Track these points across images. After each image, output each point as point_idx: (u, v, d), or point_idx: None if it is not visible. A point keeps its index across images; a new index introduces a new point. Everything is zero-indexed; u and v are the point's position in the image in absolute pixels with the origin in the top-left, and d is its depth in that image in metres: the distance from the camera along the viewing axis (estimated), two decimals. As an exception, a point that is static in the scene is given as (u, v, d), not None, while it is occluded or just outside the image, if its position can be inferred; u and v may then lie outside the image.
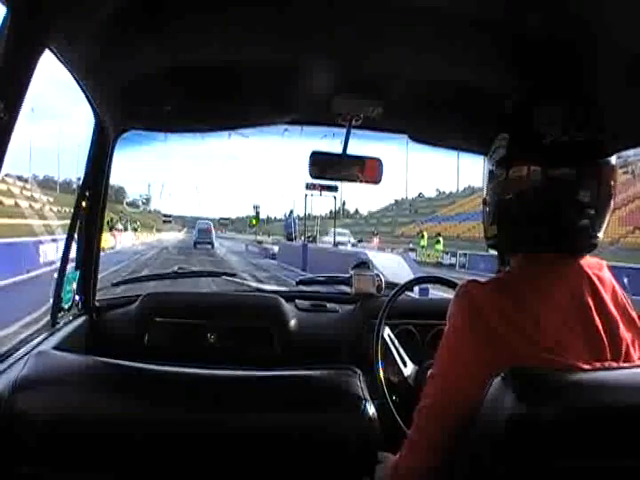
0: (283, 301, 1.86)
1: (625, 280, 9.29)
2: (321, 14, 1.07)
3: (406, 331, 1.70)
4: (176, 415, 0.72)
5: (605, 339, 0.87)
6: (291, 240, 27.47)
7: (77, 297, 1.60)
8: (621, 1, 0.88)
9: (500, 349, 0.84)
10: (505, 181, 0.93)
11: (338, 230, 31.07)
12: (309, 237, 26.71)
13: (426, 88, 1.41)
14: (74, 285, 1.56)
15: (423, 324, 1.71)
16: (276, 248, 24.79)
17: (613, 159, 0.92)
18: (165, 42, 1.19)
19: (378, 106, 1.48)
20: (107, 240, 19.21)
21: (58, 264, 1.53)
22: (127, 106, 1.45)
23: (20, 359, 1.03)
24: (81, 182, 1.55)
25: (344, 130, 1.61)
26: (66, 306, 1.51)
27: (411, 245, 29.99)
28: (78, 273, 1.59)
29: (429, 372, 0.97)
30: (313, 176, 1.67)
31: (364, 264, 2.08)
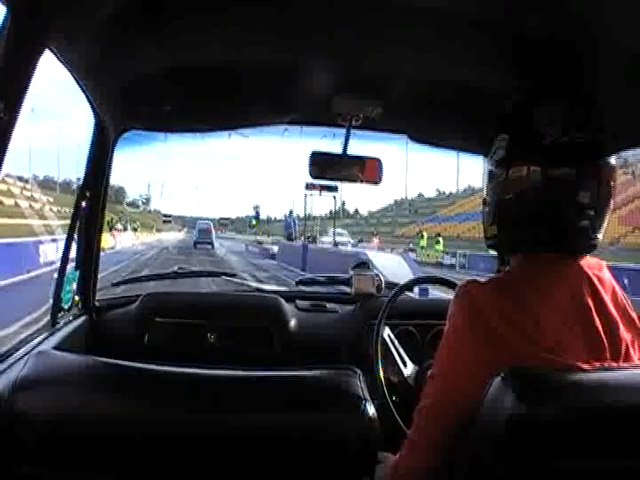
0: (283, 301, 1.86)
1: (625, 280, 9.29)
2: (321, 14, 1.07)
3: (406, 331, 1.70)
4: (176, 415, 0.72)
5: (605, 339, 0.87)
6: (291, 240, 27.44)
7: (77, 297, 1.60)
8: (621, 1, 0.88)
9: (500, 349, 0.84)
10: (505, 181, 0.93)
11: (337, 230, 31.06)
12: (309, 237, 26.72)
13: (426, 88, 1.41)
14: (74, 285, 1.56)
15: (423, 324, 1.71)
16: (276, 248, 24.78)
17: (613, 159, 0.92)
18: (165, 42, 1.19)
19: (378, 106, 1.48)
20: (107, 240, 19.21)
21: (58, 264, 1.53)
22: (127, 106, 1.45)
23: (20, 359, 1.03)
24: (81, 182, 1.55)
25: (344, 130, 1.61)
26: (66, 306, 1.51)
27: (411, 245, 29.99)
28: (78, 273, 1.59)
29: (429, 372, 0.98)
30: (313, 176, 1.67)
31: (364, 264, 2.08)
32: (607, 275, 0.94)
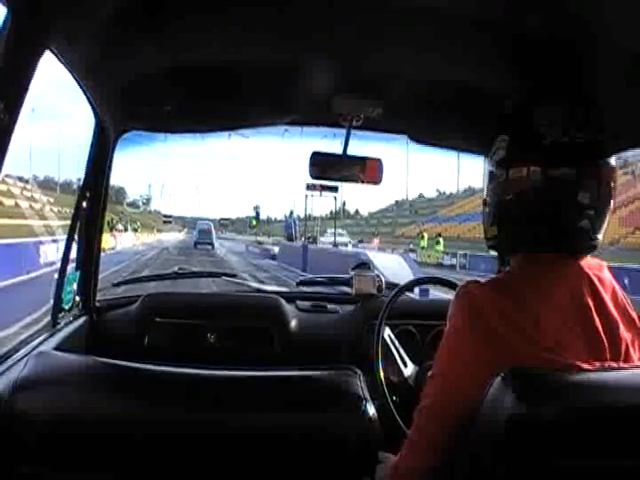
0: (283, 301, 1.86)
1: (625, 280, 9.29)
2: (321, 14, 1.08)
3: (406, 331, 1.70)
4: (176, 415, 0.72)
5: (605, 339, 0.87)
6: (291, 241, 27.48)
7: (77, 297, 1.60)
8: (621, 1, 0.88)
9: (500, 349, 0.84)
10: (505, 182, 0.93)
11: (336, 231, 31.07)
12: (309, 238, 26.71)
13: (426, 88, 1.41)
14: (74, 286, 1.56)
15: (423, 324, 1.71)
16: (276, 249, 24.80)
17: (613, 160, 0.92)
18: (165, 42, 1.19)
19: (378, 106, 1.48)
20: (107, 241, 19.21)
21: (58, 265, 1.53)
22: (127, 106, 1.45)
23: (21, 359, 1.03)
24: (81, 183, 1.55)
25: (344, 130, 1.61)
26: (66, 307, 1.51)
27: (411, 246, 29.99)
28: (78, 274, 1.59)
29: (429, 372, 0.97)
30: (313, 176, 1.67)
31: (364, 265, 2.08)
32: (607, 275, 0.94)
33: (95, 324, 1.70)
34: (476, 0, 1.01)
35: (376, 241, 34.94)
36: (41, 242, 11.20)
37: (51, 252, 10.57)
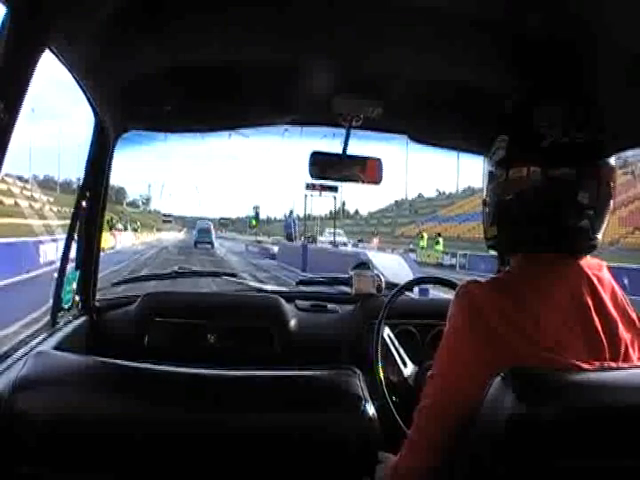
0: (283, 301, 1.86)
1: (625, 280, 9.30)
2: (321, 14, 1.07)
3: (406, 331, 1.70)
4: (176, 415, 0.72)
5: (604, 339, 0.87)
6: (291, 240, 27.47)
7: (77, 297, 1.60)
8: (621, 1, 0.88)
9: (500, 349, 0.84)
10: (505, 182, 0.93)
11: (332, 230, 31.09)
12: (309, 237, 26.71)
13: (426, 88, 1.41)
14: (74, 285, 1.56)
15: (423, 324, 1.71)
16: (276, 248, 24.80)
17: (612, 160, 0.92)
18: (165, 42, 1.19)
19: (378, 106, 1.48)
20: (107, 240, 19.21)
21: (58, 264, 1.53)
22: (127, 106, 1.45)
23: (20, 359, 1.03)
24: (81, 182, 1.55)
25: (344, 130, 1.61)
26: (66, 306, 1.51)
27: (411, 246, 29.99)
28: (78, 273, 1.59)
29: (429, 372, 0.98)
30: (313, 176, 1.67)
31: (364, 264, 2.08)
32: (607, 275, 0.94)
33: (95, 324, 1.70)
34: (476, 0, 1.01)
35: (376, 241, 34.94)
36: (41, 241, 11.21)
37: (51, 251, 10.57)
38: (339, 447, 0.73)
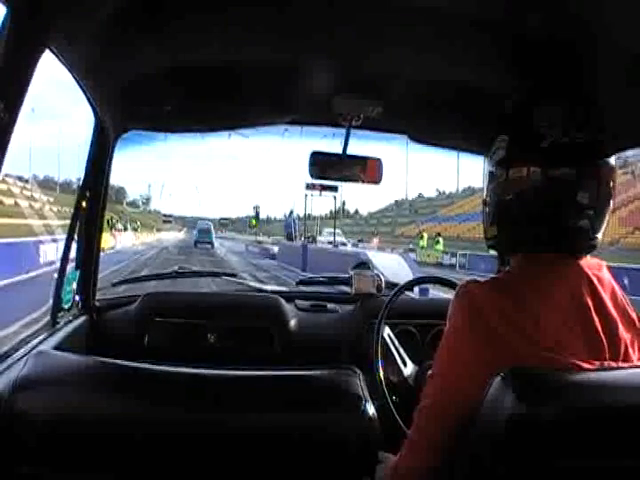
0: (283, 301, 1.86)
1: (625, 280, 9.30)
2: (321, 14, 1.08)
3: (406, 331, 1.70)
4: (176, 415, 0.72)
5: (604, 339, 0.87)
6: (291, 240, 27.45)
7: (77, 297, 1.60)
8: (621, 1, 0.88)
9: (500, 349, 0.84)
10: (505, 182, 0.93)
11: (331, 230, 31.10)
12: (309, 237, 26.70)
13: (426, 88, 1.41)
14: (74, 285, 1.56)
15: (423, 324, 1.71)
16: (276, 248, 24.80)
17: (612, 160, 0.92)
18: (165, 42, 1.19)
19: (378, 106, 1.48)
20: (107, 240, 19.21)
21: (58, 264, 1.53)
22: (127, 106, 1.45)
23: (20, 359, 1.03)
24: (81, 182, 1.55)
25: (344, 130, 1.61)
26: (66, 306, 1.51)
27: (411, 245, 29.98)
28: (78, 273, 1.59)
29: (429, 372, 0.97)
30: (313, 176, 1.68)
31: (364, 264, 2.08)
32: (607, 275, 0.94)
33: (95, 323, 1.70)
34: (476, 0, 1.01)
35: (376, 241, 34.91)
36: (41, 241, 11.21)
37: (51, 251, 10.57)
38: (339, 447, 0.73)
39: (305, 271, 14.50)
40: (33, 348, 1.17)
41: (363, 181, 1.68)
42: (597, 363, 0.84)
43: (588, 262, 0.93)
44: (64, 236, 1.55)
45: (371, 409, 0.73)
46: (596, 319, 0.88)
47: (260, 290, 2.15)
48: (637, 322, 0.92)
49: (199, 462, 0.70)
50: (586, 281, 0.90)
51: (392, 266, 10.38)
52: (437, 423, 0.89)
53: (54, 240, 10.81)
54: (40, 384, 0.73)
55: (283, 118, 1.68)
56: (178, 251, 25.89)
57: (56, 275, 1.47)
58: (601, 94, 1.05)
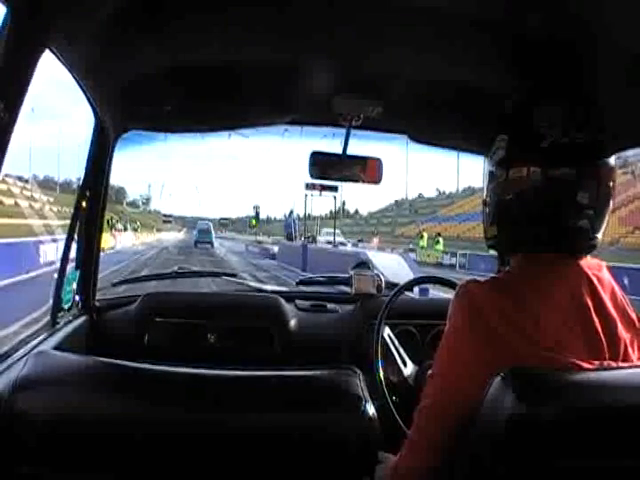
0: (283, 301, 1.86)
1: (625, 280, 9.29)
2: (321, 14, 1.08)
3: (406, 331, 1.70)
4: (176, 415, 0.72)
5: (604, 339, 0.87)
6: (291, 240, 27.45)
7: (77, 297, 1.60)
8: (621, 1, 0.88)
9: (500, 349, 0.84)
10: (505, 182, 0.93)
11: (328, 230, 31.12)
12: (309, 237, 26.69)
13: (426, 88, 1.41)
14: (74, 285, 1.56)
15: (423, 324, 1.71)
16: (276, 248, 24.80)
17: (612, 160, 0.92)
18: (165, 42, 1.19)
19: (378, 106, 1.48)
20: (107, 240, 19.22)
21: (58, 264, 1.53)
22: (127, 106, 1.45)
23: (20, 359, 1.03)
24: (81, 182, 1.55)
25: (344, 130, 1.61)
26: (66, 306, 1.51)
27: (411, 245, 29.97)
28: (78, 273, 1.59)
29: (429, 372, 0.97)
30: (313, 176, 1.67)
31: (364, 264, 2.08)
32: (606, 275, 0.94)
33: (95, 324, 1.70)
34: (476, 0, 1.01)
35: (376, 241, 34.90)
36: (41, 241, 11.21)
37: (51, 251, 10.57)
38: (339, 447, 0.73)
39: (305, 271, 14.50)
40: (33, 348, 1.17)
41: (363, 181, 1.68)
42: (597, 363, 0.84)
43: (588, 262, 0.93)
44: (64, 236, 1.55)
45: (371, 409, 0.73)
46: (596, 319, 0.88)
47: (260, 290, 2.15)
48: (637, 322, 0.92)
49: (199, 462, 0.70)
50: (586, 281, 0.90)
51: (392, 266, 10.38)
52: (437, 423, 0.89)
53: (54, 240, 10.81)
54: (40, 384, 0.73)
55: (283, 118, 1.68)
56: (178, 251, 25.90)
57: (56, 275, 1.47)
58: (601, 94, 1.05)
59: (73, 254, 1.55)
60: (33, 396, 0.71)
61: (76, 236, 1.55)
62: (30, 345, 1.20)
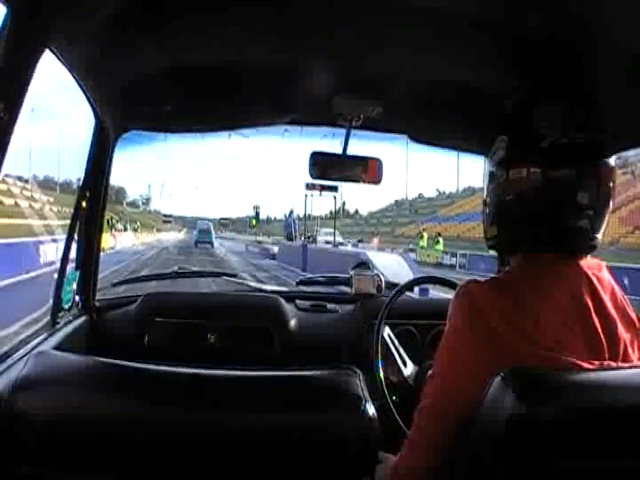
0: (283, 301, 1.86)
1: (625, 280, 9.30)
2: (321, 14, 1.08)
3: (406, 331, 1.70)
4: (176, 415, 0.72)
5: (604, 339, 0.87)
6: (291, 240, 27.46)
7: (77, 297, 1.60)
8: (621, 1, 0.88)
9: (500, 349, 0.84)
10: (505, 182, 0.93)
11: (326, 230, 31.13)
12: (309, 237, 26.70)
13: (426, 88, 1.41)
14: (74, 285, 1.56)
15: (423, 324, 1.71)
16: (276, 248, 24.80)
17: (612, 160, 0.92)
18: (165, 42, 1.19)
19: (378, 106, 1.48)
20: (107, 240, 19.23)
21: (58, 264, 1.53)
22: (127, 106, 1.45)
23: (20, 359, 1.03)
24: (81, 182, 1.55)
25: (344, 130, 1.61)
26: (66, 306, 1.51)
27: (411, 245, 29.98)
28: (78, 273, 1.59)
29: (429, 372, 0.97)
30: (313, 176, 1.67)
31: (364, 264, 2.08)
32: (606, 276, 0.94)
33: (95, 324, 1.70)
34: (476, 0, 1.01)
35: (376, 241, 34.91)
36: (41, 242, 11.22)
37: (51, 252, 10.57)
38: (339, 447, 0.73)
39: (305, 271, 14.50)
40: (33, 348, 1.17)
41: (363, 181, 1.68)
42: (597, 363, 0.84)
43: (588, 262, 0.93)
44: (64, 236, 1.55)
45: (371, 409, 0.73)
46: (596, 319, 0.88)
47: (260, 290, 2.15)
48: (637, 322, 0.92)
49: (199, 462, 0.70)
50: (586, 281, 0.90)
51: (392, 266, 10.38)
52: (437, 423, 0.89)
53: (54, 240, 10.81)
54: (40, 384, 0.73)
55: (283, 118, 1.68)
56: (178, 251, 25.92)
57: (56, 275, 1.47)
58: (601, 94, 1.05)
59: (73, 254, 1.55)
60: (33, 396, 0.71)
61: (76, 236, 1.55)
62: (30, 345, 1.20)
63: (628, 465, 0.74)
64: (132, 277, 2.37)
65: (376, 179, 1.70)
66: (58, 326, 1.42)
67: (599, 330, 0.87)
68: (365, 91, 1.44)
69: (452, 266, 22.86)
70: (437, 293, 2.89)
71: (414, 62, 1.28)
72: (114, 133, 1.56)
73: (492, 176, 0.97)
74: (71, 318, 1.53)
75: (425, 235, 28.37)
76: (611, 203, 0.92)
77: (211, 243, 34.00)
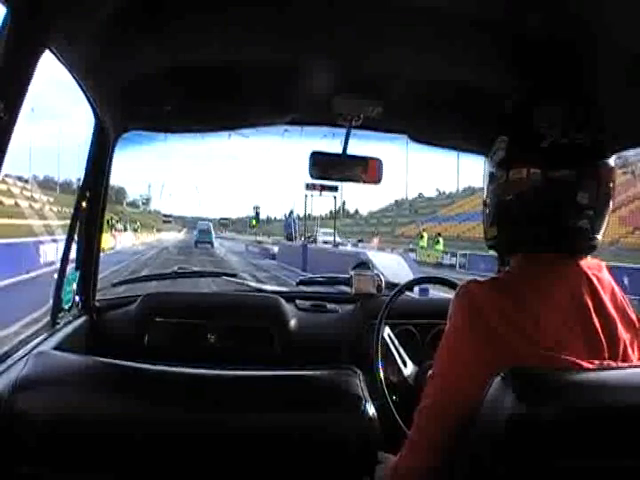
0: (283, 301, 1.86)
1: (625, 280, 9.30)
2: (321, 14, 1.08)
3: (406, 331, 1.70)
4: (176, 415, 0.72)
5: (603, 339, 0.87)
6: (291, 240, 27.46)
7: (77, 297, 1.60)
8: (621, 1, 0.88)
9: (500, 349, 0.84)
10: (505, 183, 0.93)
11: (325, 230, 31.14)
12: (309, 237, 26.70)
13: (426, 88, 1.41)
14: (74, 285, 1.56)
15: (423, 324, 1.71)
16: (276, 248, 24.80)
17: (612, 160, 0.92)
18: (165, 42, 1.19)
19: (378, 106, 1.48)
20: (107, 240, 19.23)
21: (58, 264, 1.53)
22: (127, 106, 1.45)
23: (20, 359, 1.03)
24: (81, 182, 1.55)
25: (344, 130, 1.61)
26: (66, 306, 1.51)
27: (411, 245, 29.98)
28: (78, 273, 1.59)
29: (429, 372, 0.97)
30: (313, 176, 1.67)
31: (364, 264, 2.08)
32: (606, 276, 0.94)
33: (95, 324, 1.70)
34: (476, 0, 1.01)
35: (376, 241, 34.92)
36: (41, 242, 11.22)
37: (51, 252, 10.58)
38: (339, 447, 0.73)
39: (305, 271, 14.50)
40: (33, 348, 1.17)
41: (363, 181, 1.68)
42: (597, 363, 0.84)
43: (588, 262, 0.93)
44: (64, 236, 1.55)
45: (371, 409, 0.73)
46: (596, 319, 0.88)
47: (260, 290, 2.15)
48: (637, 322, 0.92)
49: (199, 462, 0.70)
50: (586, 281, 0.90)
51: (392, 266, 10.38)
52: (437, 423, 0.89)
53: (54, 240, 10.82)
54: (40, 384, 0.73)
55: (283, 118, 1.68)
56: (178, 251, 25.92)
57: (56, 275, 1.47)
58: (601, 94, 1.05)
59: (73, 254, 1.55)
60: (33, 396, 0.71)
61: (76, 236, 1.55)
62: (30, 345, 1.20)
63: (628, 465, 0.74)
64: (132, 277, 2.38)
65: (376, 179, 1.70)
66: (58, 326, 1.42)
67: (599, 330, 0.87)
68: (365, 91, 1.44)
69: (452, 266, 22.85)
70: (437, 293, 2.89)
71: (414, 62, 1.28)
72: (114, 133, 1.56)
73: (492, 176, 0.97)
74: (71, 318, 1.53)
75: (425, 235, 28.36)
76: (611, 203, 0.92)
77: (211, 243, 34.10)
